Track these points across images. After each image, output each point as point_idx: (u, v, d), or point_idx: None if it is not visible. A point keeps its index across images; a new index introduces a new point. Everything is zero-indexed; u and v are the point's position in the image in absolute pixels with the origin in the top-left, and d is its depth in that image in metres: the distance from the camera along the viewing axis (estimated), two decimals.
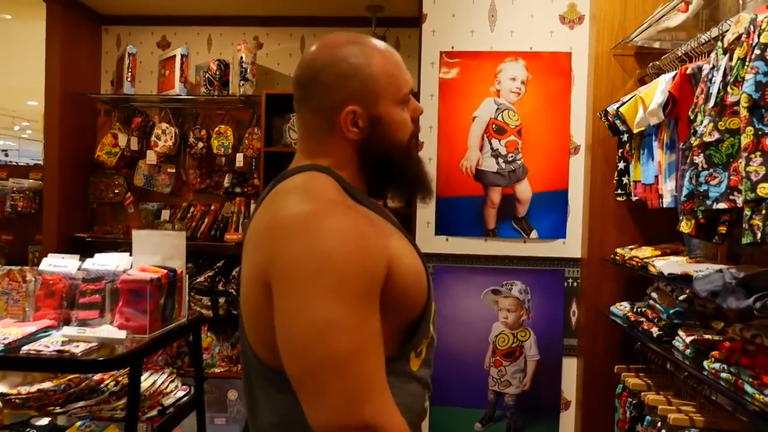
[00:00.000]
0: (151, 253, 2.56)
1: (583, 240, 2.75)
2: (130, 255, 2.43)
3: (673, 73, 1.90)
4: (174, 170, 4.30)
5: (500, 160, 2.75)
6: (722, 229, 1.50)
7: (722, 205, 1.47)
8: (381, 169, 1.03)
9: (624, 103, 2.21)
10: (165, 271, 2.29)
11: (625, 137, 2.37)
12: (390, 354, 0.93)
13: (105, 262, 2.30)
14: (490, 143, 2.74)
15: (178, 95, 4.10)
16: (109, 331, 2.01)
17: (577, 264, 2.75)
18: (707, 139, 1.50)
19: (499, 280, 2.76)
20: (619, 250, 2.48)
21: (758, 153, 1.32)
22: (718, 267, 1.72)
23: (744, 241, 1.37)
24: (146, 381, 2.54)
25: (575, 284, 2.76)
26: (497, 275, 2.76)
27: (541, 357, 2.77)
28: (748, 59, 1.38)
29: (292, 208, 0.90)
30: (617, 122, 2.27)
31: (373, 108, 0.98)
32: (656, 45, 2.50)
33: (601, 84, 2.62)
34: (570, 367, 2.78)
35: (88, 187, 4.40)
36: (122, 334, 2.00)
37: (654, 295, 2.22)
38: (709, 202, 1.50)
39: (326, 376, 0.81)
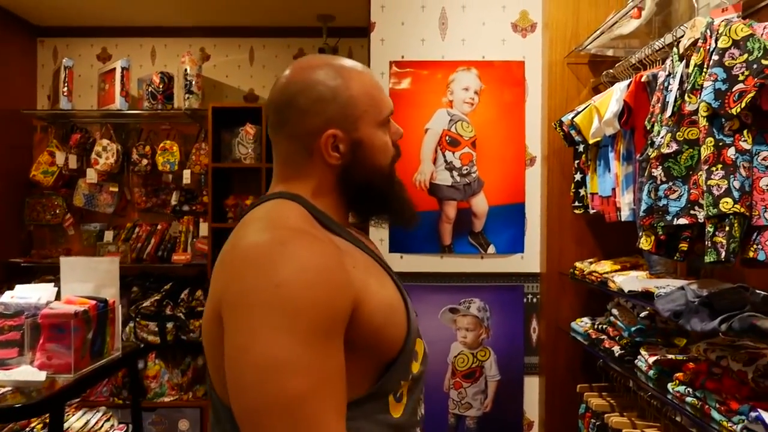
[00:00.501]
0: (82, 281, 2.37)
1: (541, 254, 2.66)
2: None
3: (627, 81, 1.83)
4: (116, 189, 4.08)
5: (455, 173, 2.64)
6: (683, 246, 1.41)
7: (683, 221, 1.38)
8: (363, 196, 0.98)
9: (579, 113, 2.13)
10: (94, 303, 2.10)
11: (581, 148, 2.29)
12: (360, 394, 0.86)
13: (26, 294, 2.10)
14: (444, 156, 2.64)
15: (119, 110, 3.89)
16: (27, 372, 1.81)
17: (537, 279, 2.66)
18: (665, 150, 1.41)
19: (457, 298, 2.65)
20: (578, 264, 2.40)
21: (719, 165, 1.24)
22: (679, 283, 1.63)
23: (707, 259, 1.28)
24: (78, 421, 2.33)
25: (535, 300, 2.67)
26: (454, 293, 2.65)
27: (501, 377, 2.67)
28: (705, 66, 1.30)
29: (249, 237, 0.84)
30: (572, 132, 2.19)
31: (353, 132, 0.93)
32: (610, 53, 2.44)
33: (555, 93, 2.54)
34: (532, 387, 2.68)
35: (24, 209, 4.13)
36: (41, 376, 1.80)
37: (615, 311, 2.13)
38: (669, 218, 1.41)
39: (270, 420, 0.74)
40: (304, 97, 0.92)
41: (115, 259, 2.31)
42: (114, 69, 3.94)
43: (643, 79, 1.65)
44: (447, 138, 2.64)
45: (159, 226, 4.10)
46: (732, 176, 1.22)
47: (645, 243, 1.50)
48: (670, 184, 1.40)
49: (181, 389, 3.91)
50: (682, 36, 1.48)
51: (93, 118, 4.12)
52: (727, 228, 1.22)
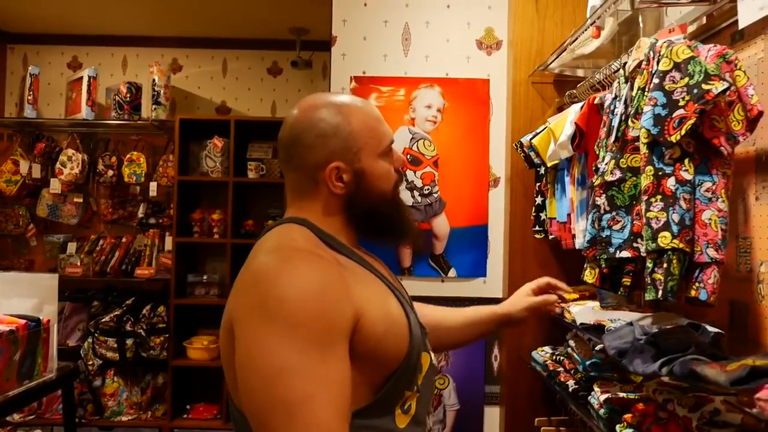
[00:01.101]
0: (22, 297, 2.26)
1: (504, 279, 2.56)
2: None
3: (582, 103, 1.74)
4: (81, 200, 3.97)
5: (416, 193, 2.55)
6: (626, 281, 1.32)
7: (625, 254, 1.29)
8: (369, 220, 1.05)
9: (537, 134, 2.05)
10: (24, 322, 1.99)
11: (542, 170, 2.20)
12: (366, 402, 0.93)
13: None
14: (405, 175, 2.55)
15: (84, 119, 3.79)
16: None
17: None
18: (609, 178, 1.32)
19: None
20: None
21: (659, 197, 1.15)
22: (629, 318, 1.54)
23: (647, 297, 1.19)
24: None
25: None
26: None
27: (461, 406, 2.56)
28: (647, 89, 1.21)
29: (258, 259, 0.93)
30: (532, 154, 2.11)
31: (356, 162, 1.02)
32: (580, 72, 2.36)
33: (519, 113, 2.46)
34: (492, 417, 2.57)
35: None
36: None
37: (572, 342, 2.03)
38: (611, 250, 1.32)
39: (277, 421, 0.81)
40: (308, 134, 1.01)
41: (54, 276, 2.20)
42: (81, 78, 3.84)
43: (596, 101, 1.57)
44: (408, 157, 2.55)
45: (124, 239, 4.00)
46: (671, 208, 1.13)
47: (589, 276, 1.41)
48: (614, 213, 1.32)
49: (140, 408, 3.78)
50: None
51: (60, 127, 4.02)
52: (665, 264, 1.12)
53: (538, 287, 1.42)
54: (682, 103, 1.13)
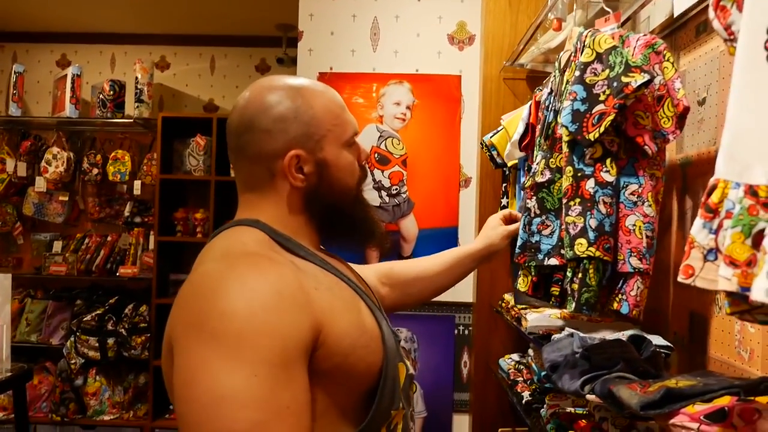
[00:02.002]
0: None
1: (474, 282, 2.47)
2: None
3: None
4: (66, 198, 3.95)
5: (383, 193, 2.47)
6: (555, 290, 1.22)
7: (553, 261, 1.19)
8: (332, 218, 0.94)
9: (496, 133, 1.95)
10: None
11: (506, 170, 2.10)
12: (356, 429, 0.83)
13: None
14: (372, 174, 2.47)
15: (68, 117, 3.77)
16: None
17: (469, 309, 2.47)
18: (539, 179, 1.23)
19: None
20: (506, 296, 2.20)
21: (577, 200, 1.05)
22: (588, 328, 1.44)
23: (568, 308, 1.09)
24: None
25: (467, 332, 2.48)
26: None
27: (428, 414, 2.47)
28: (570, 83, 1.11)
29: (204, 266, 0.82)
30: (494, 153, 2.01)
31: (318, 152, 0.90)
32: (548, 68, 2.26)
33: (490, 110, 2.36)
34: (461, 425, 2.48)
35: None
36: None
37: (530, 351, 1.94)
38: (540, 256, 1.22)
39: None
40: (265, 117, 0.88)
41: (7, 276, 2.16)
42: (66, 75, 3.82)
43: (536, 98, 1.47)
44: (376, 155, 2.47)
45: (109, 238, 3.97)
46: (588, 213, 1.03)
47: (522, 284, 1.31)
48: (543, 218, 1.22)
49: (123, 407, 3.75)
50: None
51: (47, 125, 4.00)
52: (581, 274, 1.03)
53: (505, 216, 1.40)
54: (602, 97, 1.03)
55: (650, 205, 1.03)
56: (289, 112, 0.89)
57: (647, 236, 1.02)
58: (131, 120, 3.74)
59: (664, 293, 1.60)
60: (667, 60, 1.04)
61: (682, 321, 1.54)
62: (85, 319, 3.65)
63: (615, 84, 1.01)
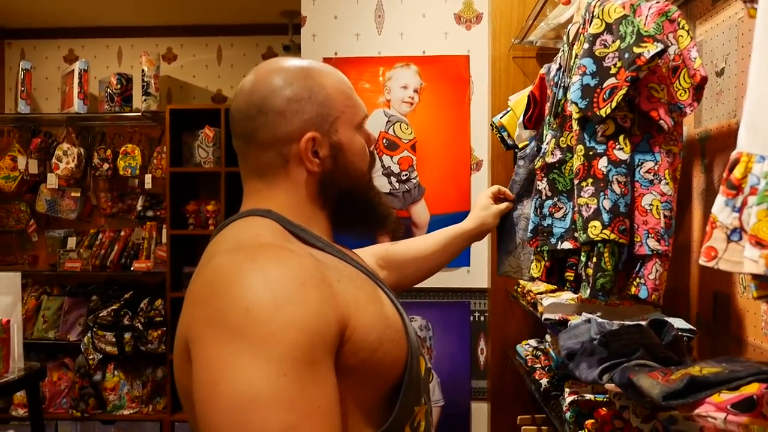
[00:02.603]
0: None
1: (489, 268, 2.41)
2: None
3: None
4: (78, 194, 3.95)
5: (393, 179, 2.42)
6: (569, 275, 1.17)
7: (567, 245, 1.14)
8: (346, 205, 0.90)
9: (506, 113, 1.89)
10: None
11: (517, 152, 2.04)
12: (379, 429, 0.78)
13: None
14: (381, 160, 2.41)
15: (77, 113, 3.76)
16: None
17: (484, 295, 2.42)
18: (549, 159, 1.17)
19: None
20: (522, 281, 2.15)
21: (590, 180, 1.00)
22: (589, 315, 1.38)
23: (582, 294, 1.04)
24: None
25: (483, 318, 2.43)
26: None
27: (446, 402, 2.43)
28: (579, 57, 1.05)
29: (216, 259, 0.75)
30: (504, 135, 1.95)
31: (333, 134, 0.86)
32: (558, 45, 2.18)
33: (500, 90, 2.29)
34: (480, 413, 2.44)
35: None
36: None
37: (548, 337, 1.89)
38: (553, 240, 1.17)
39: None
40: (277, 99, 0.83)
41: (17, 274, 2.16)
42: (73, 71, 3.81)
43: (541, 71, 1.41)
44: (384, 141, 2.42)
45: (122, 233, 3.97)
46: (602, 193, 0.97)
47: (535, 269, 1.26)
48: (555, 200, 1.16)
49: (142, 402, 3.77)
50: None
51: (56, 121, 4.00)
52: (595, 258, 0.97)
53: (494, 194, 1.40)
54: (613, 70, 0.97)
55: (667, 183, 0.97)
56: (303, 92, 0.84)
57: (665, 216, 0.97)
58: (139, 113, 3.72)
59: (686, 273, 1.54)
60: (682, 28, 0.97)
61: (705, 302, 1.48)
62: (101, 314, 3.67)
63: (627, 55, 0.94)
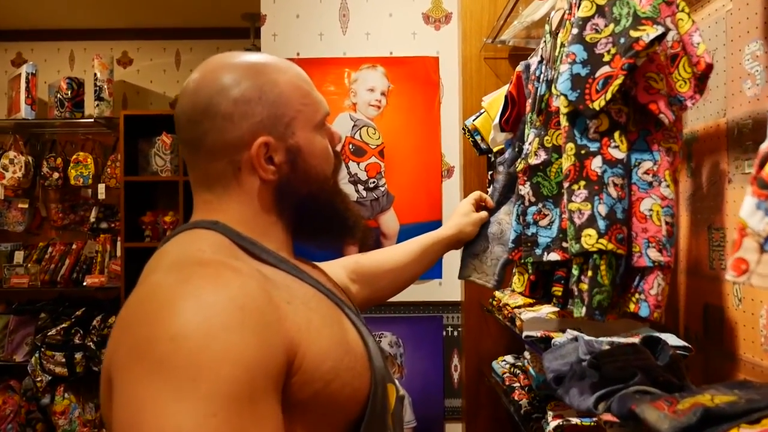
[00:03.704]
0: None
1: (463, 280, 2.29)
2: None
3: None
4: (27, 205, 3.72)
5: (360, 187, 2.28)
6: (557, 290, 1.04)
7: (554, 256, 1.01)
8: (308, 213, 0.82)
9: (479, 116, 1.78)
10: None
11: (491, 157, 1.93)
12: None
13: None
14: (348, 167, 2.28)
15: (25, 119, 3.54)
16: None
17: (457, 309, 2.30)
18: (533, 161, 1.05)
19: None
20: (497, 294, 2.03)
21: (582, 182, 0.88)
22: (575, 332, 1.27)
23: (575, 313, 0.92)
24: None
25: (456, 333, 2.30)
26: None
27: (418, 423, 2.29)
28: (567, 44, 0.93)
29: (150, 279, 0.67)
30: (477, 138, 1.83)
31: (289, 137, 0.77)
32: (531, 44, 2.08)
33: (471, 92, 2.19)
34: None
35: None
36: None
37: (527, 354, 1.77)
38: (538, 251, 1.04)
39: None
40: (223, 101, 0.74)
41: None
42: (20, 75, 3.59)
43: (518, 68, 1.29)
44: (350, 146, 2.28)
45: (74, 246, 3.75)
46: (596, 197, 0.85)
47: (517, 283, 1.14)
48: (540, 206, 1.04)
49: (94, 426, 3.54)
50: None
51: (3, 128, 3.76)
52: (590, 272, 0.85)
53: (476, 201, 1.32)
54: (607, 57, 0.85)
55: (668, 186, 0.86)
56: (253, 91, 0.75)
57: (667, 222, 0.85)
58: (92, 120, 3.51)
59: (673, 284, 1.44)
60: (682, 10, 0.86)
61: (695, 315, 1.38)
62: (49, 333, 3.43)
63: (622, 40, 0.83)
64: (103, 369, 0.67)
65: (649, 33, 0.80)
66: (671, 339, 1.24)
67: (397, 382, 0.87)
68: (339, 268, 1.18)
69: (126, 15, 3.78)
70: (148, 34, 3.94)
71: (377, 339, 2.17)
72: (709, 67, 0.84)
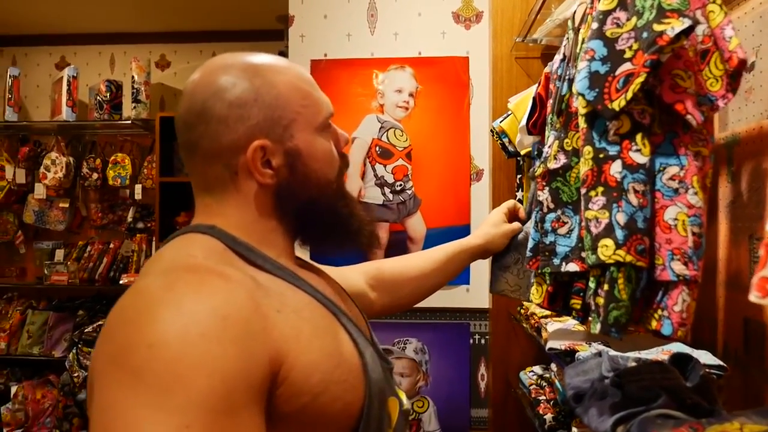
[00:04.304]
0: None
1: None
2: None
3: None
4: (67, 205, 3.81)
5: (387, 190, 2.24)
6: (575, 303, 0.98)
7: (573, 267, 0.95)
8: (309, 219, 0.79)
9: (506, 117, 1.71)
10: None
11: (520, 160, 1.86)
12: None
13: None
14: (374, 169, 2.24)
15: (65, 121, 3.63)
16: None
17: (485, 316, 2.23)
18: (552, 165, 0.99)
19: (390, 337, 2.24)
20: (525, 302, 1.96)
21: (600, 189, 0.81)
22: (600, 347, 1.19)
23: (592, 328, 0.85)
24: None
25: (483, 341, 2.23)
26: (387, 331, 2.24)
27: None
28: (586, 40, 0.87)
29: (138, 283, 0.66)
30: (505, 141, 1.77)
31: (287, 140, 0.75)
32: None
33: (501, 93, 2.12)
34: None
35: None
36: None
37: (554, 366, 1.69)
38: (556, 261, 0.98)
39: None
40: (218, 103, 0.73)
41: None
42: (62, 78, 3.68)
43: (546, 69, 1.23)
44: (377, 148, 2.24)
45: (112, 245, 3.82)
46: (615, 205, 0.79)
47: (535, 294, 1.07)
48: (558, 213, 0.98)
49: None
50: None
51: (46, 129, 3.88)
52: (607, 286, 0.79)
53: (509, 210, 1.26)
54: (628, 54, 0.79)
55: (696, 193, 0.79)
56: (248, 93, 0.74)
57: (693, 233, 0.78)
58: (129, 122, 3.58)
59: (711, 296, 1.35)
60: (713, 2, 0.79)
61: (735, 330, 1.29)
62: (87, 330, 3.50)
63: (645, 35, 0.76)
64: (89, 376, 0.66)
65: (675, 26, 0.73)
66: (705, 357, 1.15)
67: (403, 394, 0.83)
68: (358, 274, 1.16)
69: (164, 19, 3.84)
70: (186, 37, 4.00)
71: (402, 346, 2.14)
72: (742, 63, 0.77)
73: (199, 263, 0.68)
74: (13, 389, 3.54)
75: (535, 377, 1.91)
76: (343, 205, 0.82)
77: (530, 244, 1.06)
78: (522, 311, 1.94)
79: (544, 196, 1.01)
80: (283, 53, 3.67)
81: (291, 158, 0.76)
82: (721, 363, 1.13)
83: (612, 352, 1.14)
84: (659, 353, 1.19)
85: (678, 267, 0.78)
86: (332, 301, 0.77)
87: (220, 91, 0.73)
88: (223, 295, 0.63)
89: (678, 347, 1.24)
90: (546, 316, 1.70)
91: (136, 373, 0.56)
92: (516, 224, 1.24)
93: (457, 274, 1.25)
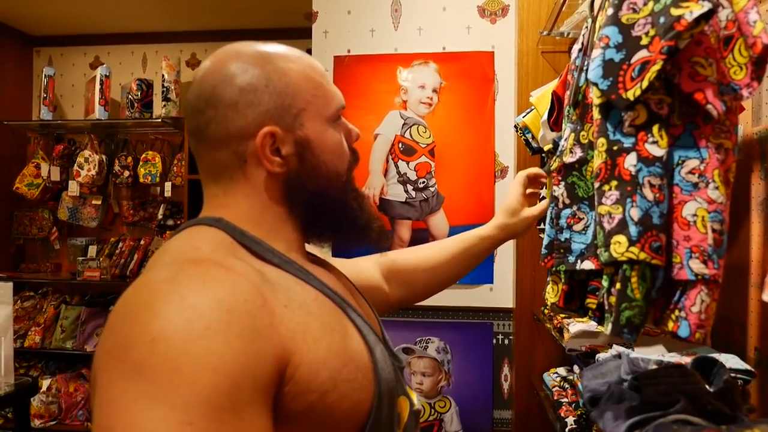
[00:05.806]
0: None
1: (514, 285, 2.18)
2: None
3: None
4: (100, 202, 3.88)
5: (409, 187, 2.22)
6: (591, 302, 0.94)
7: (588, 265, 0.91)
8: (317, 211, 0.78)
9: (528, 113, 1.67)
10: None
11: (544, 156, 1.82)
12: None
13: None
14: (397, 166, 2.22)
15: (98, 119, 3.70)
16: None
17: (509, 316, 2.19)
18: (567, 158, 0.95)
19: (412, 336, 2.21)
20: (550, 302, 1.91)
21: (614, 183, 0.78)
22: (620, 348, 1.15)
23: (604, 329, 0.82)
24: None
25: (506, 341, 2.19)
26: (409, 330, 2.21)
27: None
28: (601, 27, 0.83)
29: (143, 276, 0.65)
30: (528, 137, 1.73)
31: (297, 128, 0.74)
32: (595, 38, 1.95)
33: (527, 89, 2.07)
34: None
35: (12, 222, 4.02)
36: None
37: (576, 368, 1.64)
38: (571, 259, 0.94)
39: None
40: (228, 89, 0.72)
41: (8, 285, 2.04)
42: (95, 77, 3.76)
43: (569, 63, 1.18)
44: (400, 145, 2.22)
45: (142, 242, 3.89)
46: (629, 200, 0.75)
47: (551, 293, 1.04)
48: (574, 208, 0.94)
49: None
50: None
51: (79, 128, 3.96)
52: (619, 284, 0.75)
53: (524, 188, 1.16)
54: (645, 40, 0.75)
55: (717, 187, 0.74)
56: (259, 80, 0.72)
57: (714, 230, 0.74)
58: (159, 120, 3.63)
59: (742, 298, 1.29)
60: None
61: (766, 334, 1.23)
62: None
63: (662, 20, 0.72)
64: (92, 371, 0.64)
65: (693, 10, 0.69)
66: (732, 361, 1.10)
67: (414, 394, 0.80)
68: (374, 266, 1.13)
69: (195, 18, 3.88)
70: (216, 35, 4.03)
71: (424, 345, 2.11)
72: (766, 49, 0.72)
73: (205, 256, 0.66)
74: (47, 382, 3.62)
75: (558, 379, 1.86)
76: (351, 199, 0.80)
77: (545, 240, 1.02)
78: (545, 311, 1.89)
79: (559, 191, 0.97)
80: (310, 51, 3.69)
81: (301, 147, 0.74)
82: (749, 368, 1.08)
83: (633, 354, 1.09)
84: (683, 356, 1.14)
85: (696, 266, 0.74)
86: (342, 296, 0.75)
87: (230, 77, 0.72)
88: (228, 288, 0.61)
89: (704, 351, 1.19)
90: (569, 317, 1.65)
91: (137, 368, 0.55)
92: (538, 208, 1.15)
93: (475, 265, 1.19)
